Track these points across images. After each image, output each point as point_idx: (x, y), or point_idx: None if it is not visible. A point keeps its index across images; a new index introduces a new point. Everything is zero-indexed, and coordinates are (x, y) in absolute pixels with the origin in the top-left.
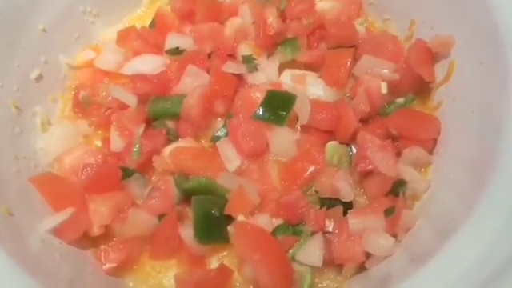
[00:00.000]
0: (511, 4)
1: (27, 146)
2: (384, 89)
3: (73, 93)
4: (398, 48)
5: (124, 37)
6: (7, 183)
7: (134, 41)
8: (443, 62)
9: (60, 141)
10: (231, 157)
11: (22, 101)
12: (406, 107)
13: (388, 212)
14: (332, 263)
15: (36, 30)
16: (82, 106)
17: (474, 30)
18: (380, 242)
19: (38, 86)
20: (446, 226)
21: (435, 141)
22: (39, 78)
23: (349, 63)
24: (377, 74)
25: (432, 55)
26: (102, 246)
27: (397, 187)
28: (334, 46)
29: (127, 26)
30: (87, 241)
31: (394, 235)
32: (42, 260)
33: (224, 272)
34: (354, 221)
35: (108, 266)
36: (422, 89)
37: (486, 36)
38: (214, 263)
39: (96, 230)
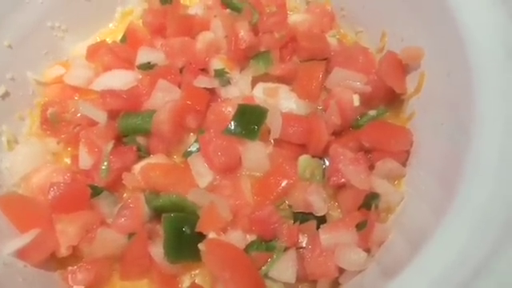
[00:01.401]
0: (475, 17)
1: None
2: (356, 101)
3: (41, 109)
4: (369, 60)
5: (94, 52)
6: None
7: (104, 56)
8: (414, 73)
9: (27, 159)
10: (203, 172)
11: None
12: (379, 119)
13: (360, 226)
14: (306, 279)
15: (1, 46)
16: (51, 123)
17: (441, 42)
18: (352, 256)
19: (4, 103)
20: (417, 237)
21: (408, 152)
22: (5, 95)
23: (321, 76)
24: (349, 87)
25: (403, 67)
26: (70, 268)
27: (369, 200)
28: (307, 59)
29: (98, 40)
30: (54, 262)
31: (367, 249)
32: (3, 285)
33: None
34: (325, 236)
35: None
36: (394, 101)
37: (452, 47)
38: (186, 282)
39: (63, 251)
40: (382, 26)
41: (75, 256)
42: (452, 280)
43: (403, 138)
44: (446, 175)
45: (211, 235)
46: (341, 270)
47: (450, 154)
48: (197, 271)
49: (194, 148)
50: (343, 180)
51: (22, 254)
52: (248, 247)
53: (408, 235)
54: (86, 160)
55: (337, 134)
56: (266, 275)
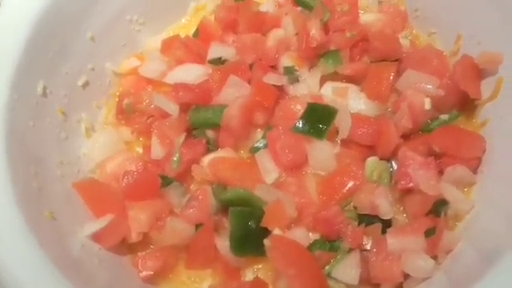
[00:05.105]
0: None
1: (72, 152)
2: (427, 104)
3: (117, 100)
4: (443, 63)
5: (168, 46)
6: (52, 187)
7: (177, 50)
8: (490, 78)
9: (103, 147)
10: (269, 169)
11: (69, 107)
12: (450, 124)
13: (428, 233)
14: (368, 282)
15: (85, 38)
16: (126, 114)
17: None
18: (419, 263)
19: (84, 92)
20: (490, 249)
21: (480, 160)
22: (86, 84)
23: (392, 77)
24: (420, 90)
25: (479, 72)
26: (140, 253)
27: (438, 207)
28: (377, 60)
29: (171, 34)
30: (124, 247)
31: (434, 257)
32: (82, 265)
33: (259, 285)
34: (392, 240)
35: (145, 273)
36: (467, 105)
37: None
38: (248, 275)
39: (134, 237)
40: (457, 28)
41: (144, 242)
42: None
43: (476, 144)
44: None
45: (276, 231)
46: (406, 276)
47: None
48: (260, 265)
49: (261, 144)
50: (411, 184)
51: (97, 237)
52: (311, 246)
53: (479, 246)
54: (158, 151)
55: (406, 137)
56: (328, 275)
